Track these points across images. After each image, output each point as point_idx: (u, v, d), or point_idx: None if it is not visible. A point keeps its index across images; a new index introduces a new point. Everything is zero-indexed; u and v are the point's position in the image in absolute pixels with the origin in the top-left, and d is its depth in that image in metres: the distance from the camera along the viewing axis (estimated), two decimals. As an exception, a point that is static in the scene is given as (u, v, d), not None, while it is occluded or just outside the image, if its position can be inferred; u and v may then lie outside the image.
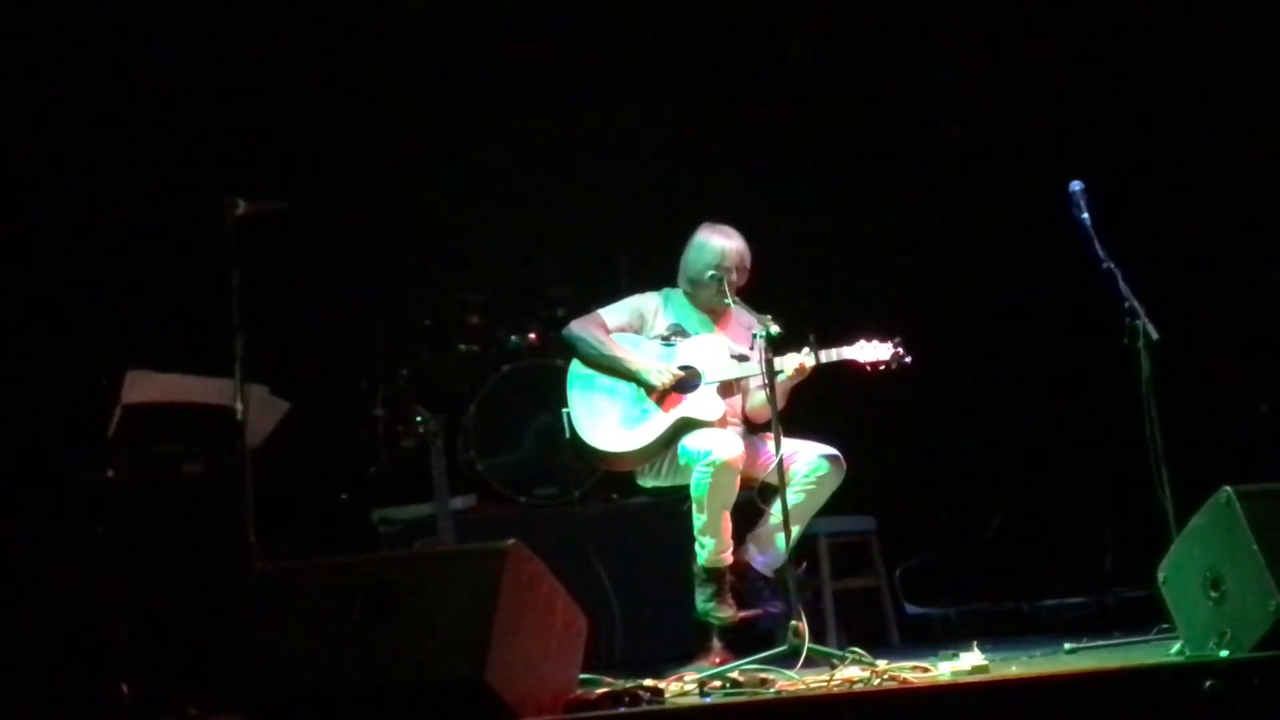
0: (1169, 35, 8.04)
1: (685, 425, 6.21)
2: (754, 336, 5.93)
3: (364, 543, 7.48)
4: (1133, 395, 5.96)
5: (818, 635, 6.05)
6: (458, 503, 7.39)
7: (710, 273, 6.31)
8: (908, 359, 6.18)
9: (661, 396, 6.27)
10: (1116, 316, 5.98)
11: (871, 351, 6.18)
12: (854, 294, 8.02)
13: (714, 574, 6.14)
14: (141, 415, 6.51)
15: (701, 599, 6.16)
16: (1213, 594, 4.89)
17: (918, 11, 8.35)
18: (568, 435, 6.35)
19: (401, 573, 4.86)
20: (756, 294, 6.31)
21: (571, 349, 6.43)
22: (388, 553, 7.11)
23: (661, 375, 6.26)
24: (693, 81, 8.45)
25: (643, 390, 6.28)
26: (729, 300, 6.22)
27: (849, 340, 6.19)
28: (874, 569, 7.58)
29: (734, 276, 6.30)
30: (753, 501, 6.23)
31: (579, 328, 6.42)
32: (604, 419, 6.30)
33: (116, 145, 7.73)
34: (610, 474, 6.68)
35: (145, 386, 6.53)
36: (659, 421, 6.25)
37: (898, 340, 6.19)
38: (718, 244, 6.35)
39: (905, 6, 8.40)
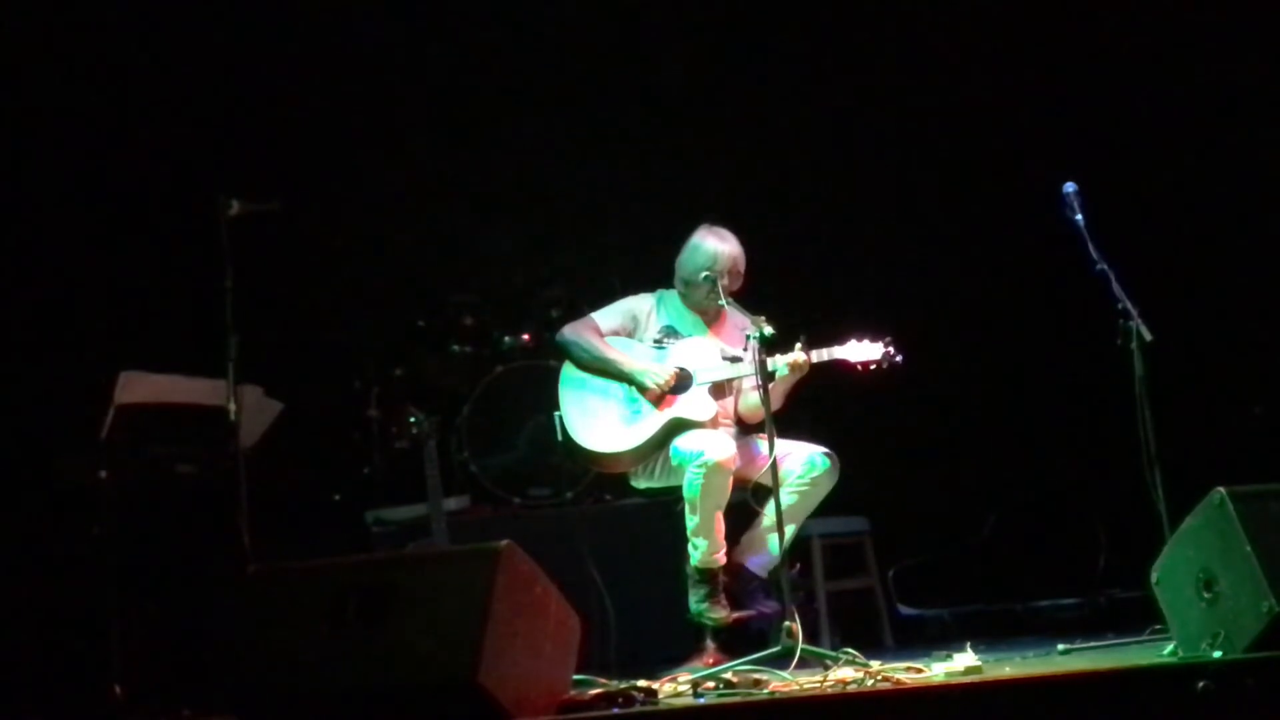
0: (1164, 34, 8.05)
1: (677, 426, 6.21)
2: (747, 338, 5.93)
3: (358, 543, 7.48)
4: (1126, 396, 5.97)
5: (811, 636, 6.06)
6: (451, 503, 7.39)
7: (704, 274, 6.31)
8: (899, 358, 6.18)
9: (658, 398, 6.27)
10: (1110, 318, 5.99)
11: (862, 351, 6.17)
12: (846, 294, 8.03)
13: (707, 575, 6.14)
14: (135, 416, 6.50)
15: (695, 600, 6.16)
16: (1206, 595, 4.90)
17: (913, 10, 8.36)
18: (559, 438, 6.35)
19: (395, 574, 4.86)
20: (749, 293, 6.31)
21: (565, 353, 6.42)
22: (381, 554, 7.10)
23: (657, 376, 6.26)
24: (687, 81, 8.45)
25: (635, 391, 6.29)
26: (722, 302, 6.23)
27: (840, 340, 6.20)
28: (867, 570, 7.59)
29: (725, 281, 6.30)
30: (746, 502, 6.23)
31: (571, 332, 6.42)
32: (596, 420, 6.31)
33: (110, 145, 7.72)
34: (604, 475, 6.68)
35: (139, 387, 6.52)
36: (651, 422, 6.25)
37: (888, 340, 6.19)
38: (711, 247, 6.35)
39: (901, 6, 8.40)
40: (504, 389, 7.76)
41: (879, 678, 5.12)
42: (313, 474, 7.87)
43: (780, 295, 6.52)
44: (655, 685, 5.21)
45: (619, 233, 8.18)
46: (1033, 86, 8.24)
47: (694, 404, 6.25)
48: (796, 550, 6.65)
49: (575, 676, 5.08)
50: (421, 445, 7.09)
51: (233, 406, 6.14)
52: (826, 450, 6.18)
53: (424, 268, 8.32)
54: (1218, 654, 4.75)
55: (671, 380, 6.27)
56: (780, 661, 5.46)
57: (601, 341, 6.37)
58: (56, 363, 7.27)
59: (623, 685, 5.13)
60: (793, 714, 4.78)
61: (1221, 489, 4.89)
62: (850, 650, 5.56)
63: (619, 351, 6.35)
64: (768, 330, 5.88)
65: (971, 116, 8.31)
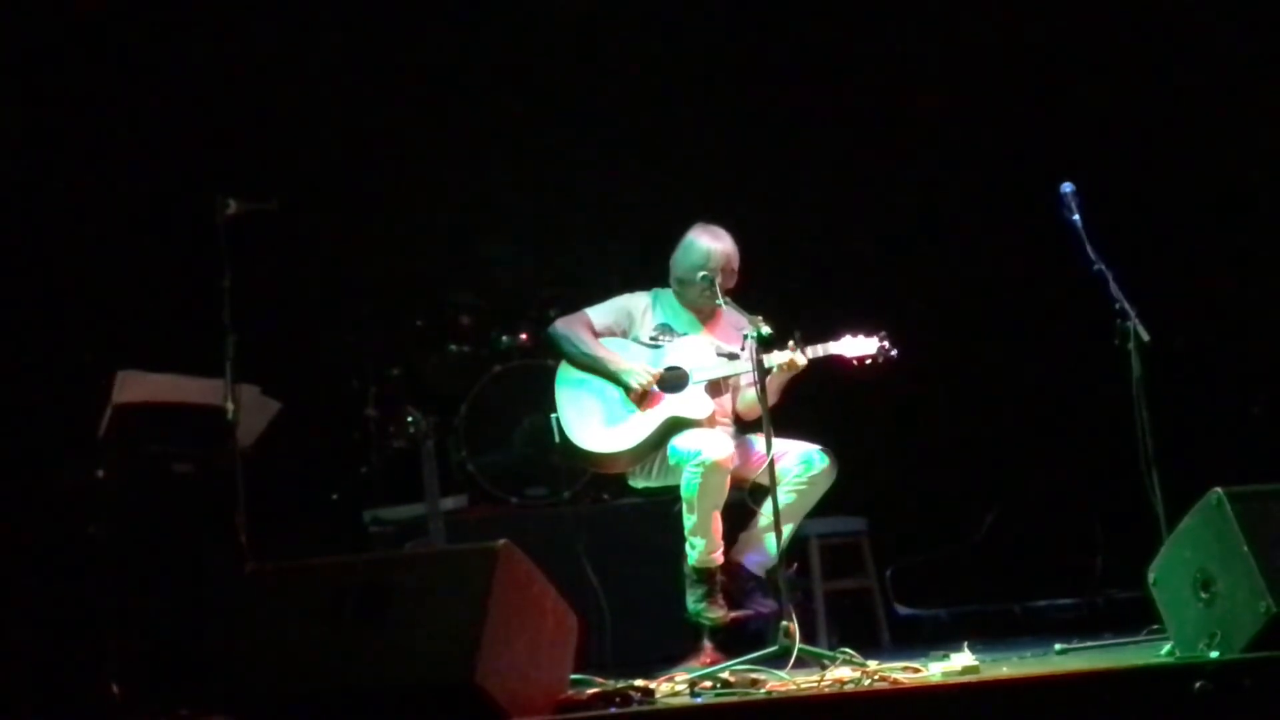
0: (1162, 34, 8.05)
1: (675, 425, 6.21)
2: (744, 337, 5.92)
3: (355, 543, 7.48)
4: (1124, 396, 5.97)
5: (808, 636, 6.06)
6: (449, 503, 7.39)
7: (702, 274, 6.30)
8: (894, 352, 6.17)
9: (641, 398, 6.26)
10: (1107, 318, 5.99)
11: (858, 346, 6.17)
12: (843, 291, 8.02)
13: (705, 574, 6.14)
14: (133, 415, 6.50)
15: (692, 599, 6.16)
16: (1203, 595, 4.90)
17: (908, 9, 8.36)
18: (557, 439, 6.35)
19: (393, 573, 4.86)
20: (744, 289, 6.31)
21: (555, 347, 6.42)
22: (379, 553, 7.10)
23: (640, 377, 6.25)
24: (687, 81, 8.45)
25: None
26: (719, 301, 6.22)
27: (835, 335, 6.19)
28: (865, 570, 7.58)
29: (720, 279, 6.29)
30: (744, 501, 6.23)
31: (564, 326, 6.42)
32: (592, 420, 6.30)
33: (108, 144, 7.71)
34: (601, 475, 6.68)
35: (136, 386, 6.53)
36: (648, 421, 6.24)
37: (883, 334, 6.19)
38: (705, 245, 6.35)
39: (900, 5, 8.40)
40: (502, 388, 7.76)
41: (876, 677, 5.12)
42: (310, 473, 7.86)
43: (777, 293, 6.52)
44: (652, 685, 5.21)
45: (619, 233, 8.17)
46: (1033, 86, 8.23)
47: (691, 402, 6.24)
48: (794, 550, 6.65)
49: (573, 676, 5.08)
50: (419, 445, 7.09)
51: (230, 406, 6.15)
52: (824, 448, 6.18)
53: (422, 268, 8.31)
54: (1215, 654, 4.75)
55: (653, 381, 6.26)
56: (777, 661, 5.46)
57: (591, 337, 6.37)
58: (54, 362, 7.27)
59: (620, 685, 5.13)
60: (790, 714, 4.78)
61: (1219, 489, 4.89)
62: (847, 650, 5.56)
63: (607, 349, 6.34)
64: (765, 330, 5.88)
65: (971, 116, 8.30)
